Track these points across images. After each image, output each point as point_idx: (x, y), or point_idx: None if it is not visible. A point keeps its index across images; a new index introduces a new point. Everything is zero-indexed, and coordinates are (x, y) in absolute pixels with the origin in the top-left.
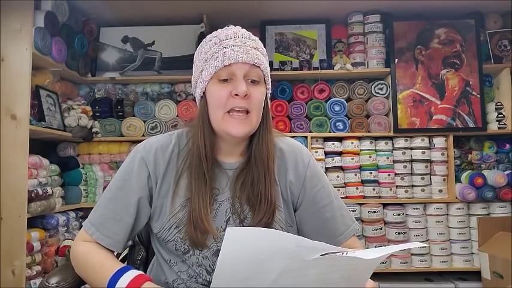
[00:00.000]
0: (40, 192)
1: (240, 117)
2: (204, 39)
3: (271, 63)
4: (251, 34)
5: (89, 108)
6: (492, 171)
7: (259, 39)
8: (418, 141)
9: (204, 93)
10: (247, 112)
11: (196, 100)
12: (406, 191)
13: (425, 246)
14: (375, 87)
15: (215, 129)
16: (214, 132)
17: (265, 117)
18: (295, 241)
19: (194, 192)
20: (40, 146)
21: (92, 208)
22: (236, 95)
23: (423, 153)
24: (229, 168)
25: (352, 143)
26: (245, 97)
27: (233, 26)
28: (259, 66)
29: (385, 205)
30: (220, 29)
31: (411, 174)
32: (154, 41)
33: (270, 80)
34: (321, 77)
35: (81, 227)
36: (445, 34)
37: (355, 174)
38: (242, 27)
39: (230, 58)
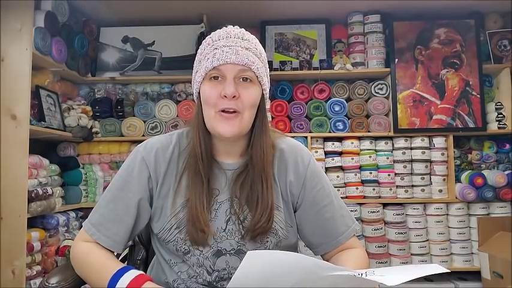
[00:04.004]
0: (40, 192)
1: (228, 117)
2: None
3: (271, 63)
4: (246, 34)
5: (89, 108)
6: (492, 171)
7: (259, 39)
8: (418, 141)
9: (199, 93)
10: (236, 112)
11: (195, 100)
12: (406, 191)
13: (449, 272)
14: (375, 87)
15: (208, 128)
16: (210, 132)
17: (261, 118)
18: (314, 262)
19: (192, 191)
20: (40, 146)
21: (92, 208)
22: (225, 96)
23: (423, 153)
24: (228, 168)
25: (352, 143)
26: (234, 98)
27: (231, 26)
28: (249, 67)
29: (385, 205)
30: (219, 29)
31: (411, 174)
32: (154, 41)
33: (267, 79)
34: (321, 77)
35: (81, 227)
36: (445, 34)
37: (355, 174)
38: (242, 27)
39: (219, 59)
